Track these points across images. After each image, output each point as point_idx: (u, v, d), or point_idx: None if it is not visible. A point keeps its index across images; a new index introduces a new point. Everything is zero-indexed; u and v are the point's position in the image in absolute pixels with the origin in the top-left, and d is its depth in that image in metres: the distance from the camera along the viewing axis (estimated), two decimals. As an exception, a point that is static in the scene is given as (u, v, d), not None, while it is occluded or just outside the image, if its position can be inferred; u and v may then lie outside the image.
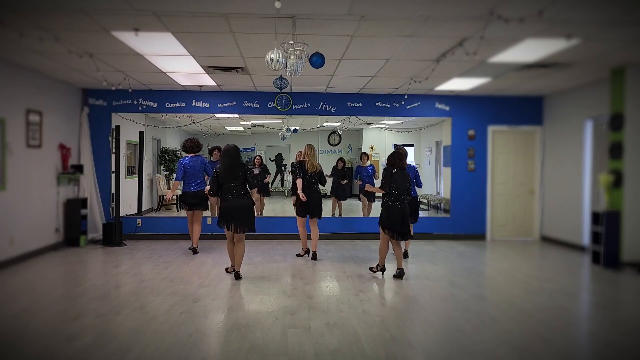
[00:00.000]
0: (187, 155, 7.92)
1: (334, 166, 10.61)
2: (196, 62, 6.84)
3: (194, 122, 10.39)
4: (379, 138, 12.45)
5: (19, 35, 5.37)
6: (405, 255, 7.56)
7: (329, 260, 7.36)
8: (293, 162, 7.78)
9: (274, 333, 4.21)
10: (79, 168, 8.56)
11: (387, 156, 6.46)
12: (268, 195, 11.20)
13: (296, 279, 6.24)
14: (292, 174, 7.61)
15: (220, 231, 6.40)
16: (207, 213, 8.30)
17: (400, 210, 6.12)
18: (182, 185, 7.89)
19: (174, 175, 12.62)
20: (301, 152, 7.49)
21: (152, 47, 6.06)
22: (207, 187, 6.65)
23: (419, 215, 7.94)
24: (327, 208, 10.33)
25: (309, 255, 7.46)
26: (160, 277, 6.19)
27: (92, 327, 4.32)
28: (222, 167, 6.09)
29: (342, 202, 10.59)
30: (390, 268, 6.46)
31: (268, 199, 11.27)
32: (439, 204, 10.90)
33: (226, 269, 6.43)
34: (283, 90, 8.87)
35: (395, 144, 12.33)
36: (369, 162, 10.48)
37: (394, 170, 6.22)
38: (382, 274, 6.36)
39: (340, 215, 10.42)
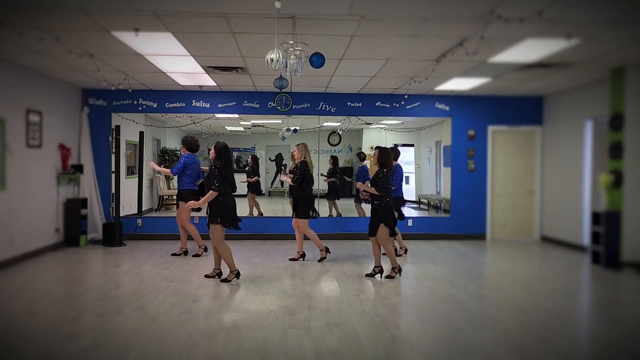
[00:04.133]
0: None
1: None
2: (196, 62, 6.83)
3: (194, 122, 10.38)
4: (379, 138, 12.43)
5: (19, 35, 5.37)
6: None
7: (329, 260, 7.36)
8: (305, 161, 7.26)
9: (274, 333, 4.21)
10: (79, 168, 8.57)
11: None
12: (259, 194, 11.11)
13: (296, 279, 6.24)
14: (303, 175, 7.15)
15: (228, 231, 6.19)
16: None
17: None
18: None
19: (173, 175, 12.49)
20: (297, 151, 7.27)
21: (152, 47, 6.06)
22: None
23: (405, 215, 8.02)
24: (325, 208, 10.33)
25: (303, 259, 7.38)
26: (160, 277, 6.19)
27: (92, 327, 4.33)
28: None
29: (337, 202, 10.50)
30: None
31: (266, 198, 11.20)
32: (439, 204, 10.90)
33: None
34: (283, 90, 8.87)
35: (395, 144, 12.34)
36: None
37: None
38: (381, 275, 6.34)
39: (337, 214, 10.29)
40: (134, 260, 7.24)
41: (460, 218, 9.58)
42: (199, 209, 7.49)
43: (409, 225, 9.60)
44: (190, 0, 4.43)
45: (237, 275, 6.03)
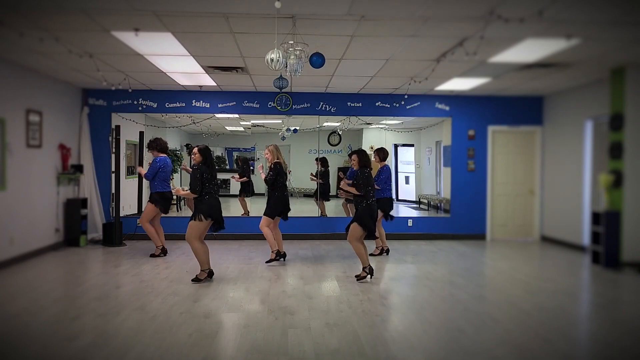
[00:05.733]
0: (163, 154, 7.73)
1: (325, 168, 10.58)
2: (196, 62, 6.83)
3: (194, 122, 10.38)
4: (379, 138, 12.43)
5: (19, 35, 5.37)
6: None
7: (329, 260, 7.36)
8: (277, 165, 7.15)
9: (274, 333, 4.21)
10: (79, 168, 8.57)
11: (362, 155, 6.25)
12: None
13: (296, 279, 6.24)
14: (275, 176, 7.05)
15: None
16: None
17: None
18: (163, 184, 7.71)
19: (173, 176, 12.50)
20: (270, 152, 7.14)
21: (152, 47, 6.06)
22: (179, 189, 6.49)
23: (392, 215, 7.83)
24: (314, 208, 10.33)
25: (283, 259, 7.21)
26: (160, 277, 6.19)
27: (92, 327, 4.32)
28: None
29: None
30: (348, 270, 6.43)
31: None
32: (439, 204, 10.90)
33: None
34: (283, 90, 8.87)
35: (395, 144, 12.33)
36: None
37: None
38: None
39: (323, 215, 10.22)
40: (134, 260, 7.23)
41: (460, 218, 9.58)
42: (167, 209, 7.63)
43: (409, 225, 9.61)
44: (190, 0, 4.43)
45: (210, 274, 6.03)
